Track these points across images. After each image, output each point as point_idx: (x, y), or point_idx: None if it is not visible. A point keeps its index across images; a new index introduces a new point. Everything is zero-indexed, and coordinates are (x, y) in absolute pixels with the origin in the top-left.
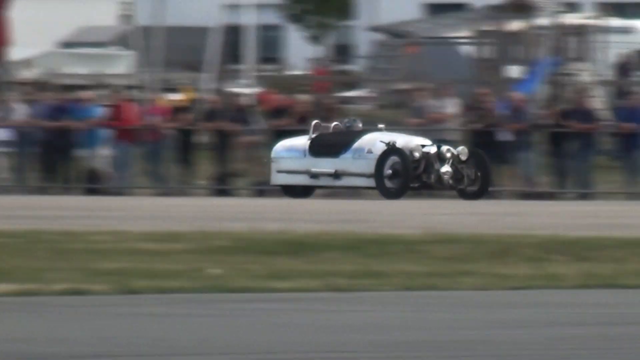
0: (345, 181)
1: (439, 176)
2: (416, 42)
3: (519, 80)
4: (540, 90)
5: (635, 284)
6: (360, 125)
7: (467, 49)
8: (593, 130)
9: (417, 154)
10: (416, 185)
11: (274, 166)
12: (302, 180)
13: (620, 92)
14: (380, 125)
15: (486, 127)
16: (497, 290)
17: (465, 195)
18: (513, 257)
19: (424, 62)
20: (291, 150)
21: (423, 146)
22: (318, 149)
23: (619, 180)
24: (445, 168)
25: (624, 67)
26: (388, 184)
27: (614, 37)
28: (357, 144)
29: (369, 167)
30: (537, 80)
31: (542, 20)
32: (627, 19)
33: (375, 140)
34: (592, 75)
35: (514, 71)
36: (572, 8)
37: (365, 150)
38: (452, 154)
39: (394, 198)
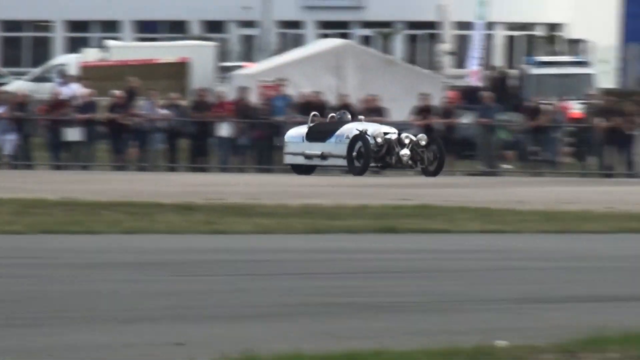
0: (330, 161)
1: (399, 157)
2: None
3: None
4: None
5: None
6: (349, 116)
7: None
8: None
9: (379, 140)
10: (379, 164)
11: (285, 149)
12: (300, 160)
13: None
14: (360, 117)
15: None
16: None
17: (426, 173)
18: None
19: None
20: (295, 137)
21: (386, 133)
22: (312, 135)
23: None
24: (404, 151)
25: None
26: (356, 163)
27: None
28: (339, 131)
29: (345, 150)
30: None
31: None
32: None
33: (352, 129)
34: None
35: None
36: None
37: (344, 137)
38: (411, 139)
39: (359, 174)
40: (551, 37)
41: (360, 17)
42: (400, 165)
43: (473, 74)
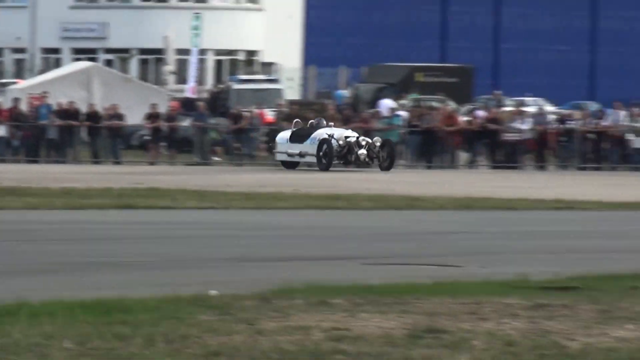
0: (306, 159)
1: (357, 156)
2: None
3: None
4: None
5: None
6: (325, 122)
7: None
8: None
9: (340, 142)
10: (341, 162)
11: (276, 148)
12: (285, 157)
13: None
14: (331, 123)
15: None
16: None
17: (381, 168)
18: None
19: None
20: (282, 139)
21: (347, 137)
22: (294, 138)
23: None
24: (362, 151)
25: None
26: (323, 160)
27: None
28: (313, 135)
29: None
30: None
31: None
32: None
33: (323, 133)
34: None
35: None
36: None
37: (317, 139)
38: (367, 142)
39: (325, 170)
40: (249, 60)
41: (104, 45)
42: (358, 162)
43: (190, 89)
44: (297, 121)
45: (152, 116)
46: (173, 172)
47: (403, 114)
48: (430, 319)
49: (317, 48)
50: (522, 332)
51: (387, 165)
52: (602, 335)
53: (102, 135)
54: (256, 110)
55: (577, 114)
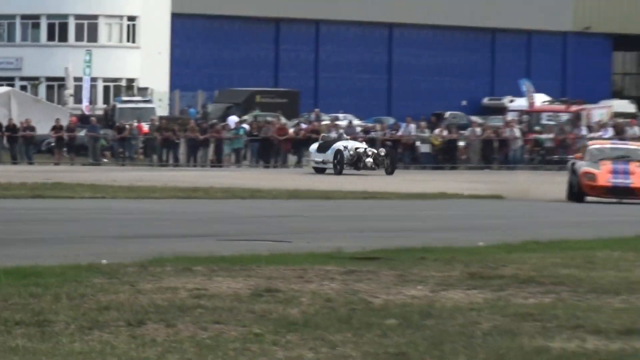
0: (327, 165)
1: (365, 163)
2: None
3: None
4: None
5: None
6: (345, 136)
7: None
8: None
9: (351, 152)
10: (352, 168)
11: (310, 157)
12: (313, 164)
13: None
14: (347, 136)
15: None
16: None
17: (387, 173)
18: None
19: None
20: (312, 149)
21: (357, 148)
22: (320, 148)
23: None
24: (369, 159)
25: None
26: (337, 167)
27: None
28: (333, 146)
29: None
30: None
31: None
32: None
33: (340, 145)
34: None
35: None
36: None
37: (335, 150)
38: (373, 152)
39: (339, 174)
40: (129, 86)
41: (20, 74)
42: (366, 168)
43: (85, 107)
44: (323, 135)
45: (57, 128)
46: (72, 170)
47: (246, 126)
48: (268, 282)
49: (181, 77)
50: (337, 291)
51: (390, 170)
52: (399, 294)
53: (19, 143)
54: (135, 124)
55: (378, 126)
